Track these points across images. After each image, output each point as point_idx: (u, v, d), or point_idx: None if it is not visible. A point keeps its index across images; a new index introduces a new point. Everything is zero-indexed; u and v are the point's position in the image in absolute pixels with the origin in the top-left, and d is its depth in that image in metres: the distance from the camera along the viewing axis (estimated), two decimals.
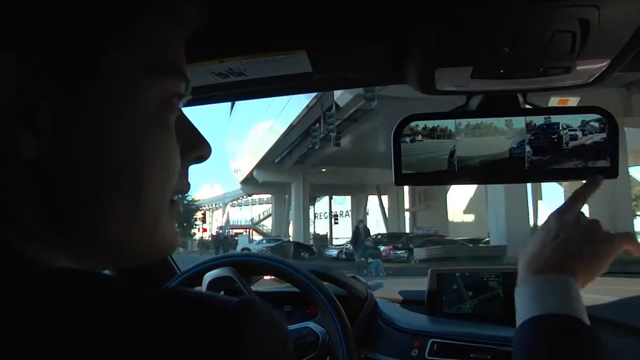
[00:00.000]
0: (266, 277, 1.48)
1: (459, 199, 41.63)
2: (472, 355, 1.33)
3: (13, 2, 0.38)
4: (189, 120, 0.50)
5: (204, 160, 0.52)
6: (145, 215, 0.43)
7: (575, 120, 0.85)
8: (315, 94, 18.35)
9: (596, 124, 0.84)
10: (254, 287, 1.44)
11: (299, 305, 1.45)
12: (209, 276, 1.28)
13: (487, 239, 22.51)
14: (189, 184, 0.51)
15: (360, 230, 17.67)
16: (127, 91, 0.41)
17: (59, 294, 0.34)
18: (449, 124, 0.87)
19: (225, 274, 1.28)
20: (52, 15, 0.38)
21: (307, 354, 1.24)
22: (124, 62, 0.41)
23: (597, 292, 1.44)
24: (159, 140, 0.44)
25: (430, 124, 0.87)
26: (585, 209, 0.80)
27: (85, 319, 0.33)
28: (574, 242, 0.72)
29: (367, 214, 45.47)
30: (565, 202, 0.79)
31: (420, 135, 0.87)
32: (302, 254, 26.72)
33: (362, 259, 16.14)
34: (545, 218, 0.78)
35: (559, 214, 0.76)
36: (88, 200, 0.40)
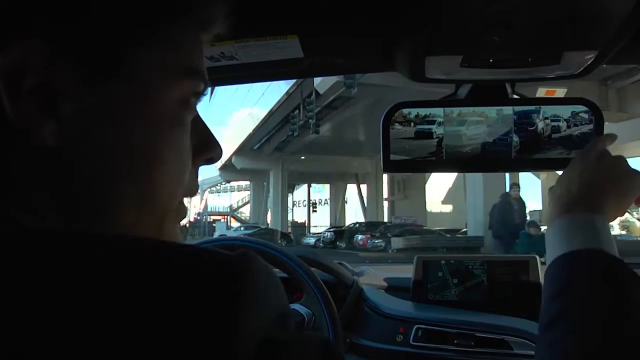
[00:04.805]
0: None
1: (438, 189, 41.86)
2: (455, 341, 1.36)
3: None
4: (203, 121, 0.51)
5: (214, 162, 0.53)
6: (154, 211, 0.44)
7: (565, 111, 0.86)
8: (295, 80, 18.22)
9: (585, 116, 0.86)
10: None
11: (285, 290, 1.45)
12: None
13: (465, 229, 22.67)
14: (197, 186, 0.51)
15: (512, 206, 9.03)
16: (148, 90, 0.42)
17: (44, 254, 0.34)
18: (440, 112, 0.88)
19: None
20: (80, 7, 0.39)
21: None
22: (147, 62, 0.42)
23: None
24: (175, 139, 0.44)
25: (422, 111, 0.88)
26: None
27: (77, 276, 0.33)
28: (599, 177, 0.71)
29: (346, 202, 45.62)
30: (590, 143, 0.78)
31: (411, 123, 0.88)
32: (280, 241, 26.71)
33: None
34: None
35: (583, 153, 0.76)
36: (102, 191, 0.41)
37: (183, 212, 0.50)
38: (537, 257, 1.56)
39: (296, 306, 1.29)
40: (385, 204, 38.97)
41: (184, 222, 0.58)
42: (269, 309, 0.36)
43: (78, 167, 0.40)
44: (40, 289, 0.32)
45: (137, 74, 0.42)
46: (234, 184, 57.16)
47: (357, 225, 30.59)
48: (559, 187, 0.73)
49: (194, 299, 0.32)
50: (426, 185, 36.87)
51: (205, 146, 0.50)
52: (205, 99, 0.51)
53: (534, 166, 0.89)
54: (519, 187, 9.37)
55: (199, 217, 41.01)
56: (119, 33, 0.41)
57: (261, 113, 27.33)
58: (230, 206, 59.04)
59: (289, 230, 35.43)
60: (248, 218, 47.73)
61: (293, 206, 48.72)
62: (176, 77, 0.44)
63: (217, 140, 0.51)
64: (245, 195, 56.08)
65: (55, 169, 0.40)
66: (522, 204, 9.00)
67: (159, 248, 0.37)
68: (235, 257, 0.36)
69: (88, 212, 0.41)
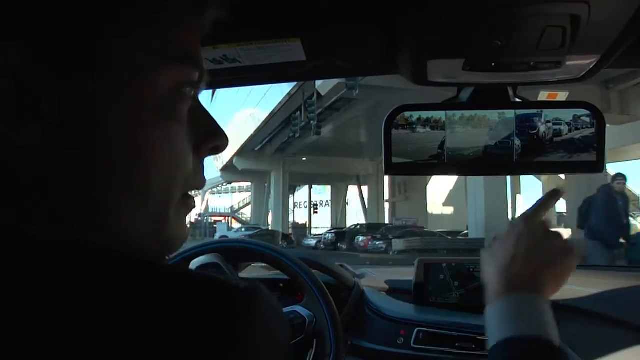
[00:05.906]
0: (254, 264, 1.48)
1: (439, 191, 41.80)
2: (457, 344, 1.36)
3: None
4: (206, 110, 0.49)
5: (220, 152, 0.50)
6: (151, 207, 0.42)
7: (567, 115, 0.86)
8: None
9: (587, 119, 0.86)
10: (241, 274, 1.44)
11: (286, 293, 1.46)
12: (195, 263, 1.28)
13: (466, 231, 22.62)
14: (204, 179, 0.49)
15: (616, 201, 6.86)
16: (130, 79, 0.40)
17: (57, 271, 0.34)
18: (442, 115, 0.88)
19: (212, 261, 1.28)
20: (50, 3, 0.37)
21: (294, 337, 1.24)
22: (126, 50, 0.40)
23: (580, 284, 1.47)
24: (165, 130, 0.42)
25: (424, 114, 0.88)
26: (563, 204, 0.81)
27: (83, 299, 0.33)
28: (541, 255, 0.71)
29: (347, 204, 45.61)
30: (531, 209, 0.78)
31: (413, 125, 0.88)
32: (281, 243, 26.67)
33: None
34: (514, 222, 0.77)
35: (527, 220, 0.75)
36: (92, 190, 0.39)
37: (190, 204, 0.48)
38: None
39: (297, 308, 1.29)
40: (387, 205, 38.95)
41: None
42: (272, 343, 0.37)
43: (65, 167, 0.39)
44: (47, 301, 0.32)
45: (117, 63, 0.39)
46: (235, 185, 57.22)
47: (358, 226, 30.62)
48: (502, 252, 0.73)
49: (198, 330, 0.33)
50: (427, 187, 36.85)
51: (209, 135, 0.48)
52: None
53: (536, 169, 0.89)
54: (626, 179, 7.04)
55: (200, 218, 40.99)
56: (95, 22, 0.39)
57: (263, 114, 27.39)
58: (232, 207, 59.03)
59: (290, 231, 35.39)
60: (249, 219, 47.72)
61: (294, 207, 48.77)
62: (164, 63, 0.42)
63: (221, 128, 0.49)
64: (247, 196, 56.11)
65: (41, 171, 0.38)
66: (626, 200, 6.99)
67: (166, 274, 0.37)
68: (243, 291, 0.36)
69: (79, 213, 0.39)
